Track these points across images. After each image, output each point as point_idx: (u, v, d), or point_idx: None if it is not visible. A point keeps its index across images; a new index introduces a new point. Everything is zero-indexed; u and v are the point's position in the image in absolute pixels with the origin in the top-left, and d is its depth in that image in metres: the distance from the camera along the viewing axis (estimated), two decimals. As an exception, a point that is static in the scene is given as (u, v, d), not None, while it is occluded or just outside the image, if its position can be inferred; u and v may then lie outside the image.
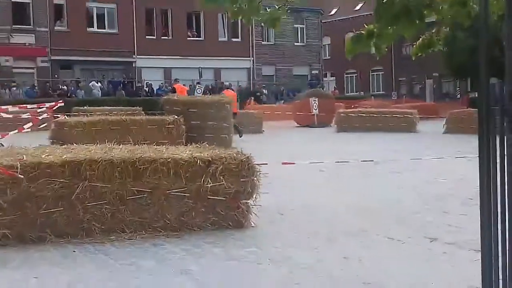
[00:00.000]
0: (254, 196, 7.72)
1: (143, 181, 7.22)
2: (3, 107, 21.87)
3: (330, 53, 66.43)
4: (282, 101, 48.42)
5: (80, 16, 46.23)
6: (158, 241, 6.98)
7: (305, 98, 34.57)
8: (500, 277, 3.24)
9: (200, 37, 52.55)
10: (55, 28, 45.34)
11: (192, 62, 50.19)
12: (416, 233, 7.42)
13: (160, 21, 50.59)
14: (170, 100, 19.75)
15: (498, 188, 3.21)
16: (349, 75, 68.05)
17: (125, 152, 7.56)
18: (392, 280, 5.56)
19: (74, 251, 6.56)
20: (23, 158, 7.00)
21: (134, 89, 45.83)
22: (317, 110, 32.46)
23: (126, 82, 46.61)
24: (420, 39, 5.48)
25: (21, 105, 23.32)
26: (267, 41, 56.09)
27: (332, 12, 66.69)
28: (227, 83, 40.37)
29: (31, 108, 21.23)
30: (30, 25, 44.16)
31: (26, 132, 18.41)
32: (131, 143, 8.65)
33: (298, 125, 32.28)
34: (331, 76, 66.79)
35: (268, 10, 5.20)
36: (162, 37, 50.54)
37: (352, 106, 35.68)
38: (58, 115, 19.83)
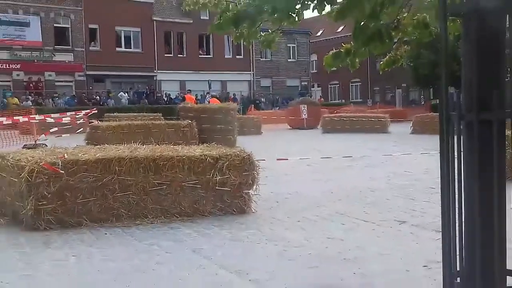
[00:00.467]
0: (254, 187, 7.71)
1: (162, 175, 7.20)
2: (47, 114, 21.88)
3: (316, 68, 66.30)
4: (277, 108, 48.39)
5: (110, 38, 46.24)
6: (175, 224, 6.97)
7: (296, 105, 34.60)
8: (457, 253, 3.23)
9: (209, 54, 52.55)
10: (90, 48, 45.31)
11: (203, 76, 50.22)
12: (387, 217, 7.40)
13: (176, 42, 50.58)
14: (185, 107, 19.78)
15: (455, 178, 3.20)
16: (332, 86, 68.06)
17: (147, 151, 7.56)
18: (367, 256, 5.55)
19: (105, 234, 6.55)
20: (64, 156, 6.99)
21: (155, 98, 45.79)
22: (306, 115, 32.47)
23: (148, 92, 46.59)
24: (387, 56, 5.47)
25: (62, 112, 23.29)
26: (265, 58, 56.07)
27: (318, 34, 66.62)
28: (220, 92, 40.42)
29: (70, 114, 21.20)
30: (69, 45, 44.17)
31: (66, 135, 18.44)
32: (152, 143, 8.63)
33: (290, 128, 32.26)
34: (318, 87, 66.72)
35: (263, 34, 5.19)
36: (178, 55, 50.56)
37: (335, 112, 35.64)
38: (92, 121, 19.82)
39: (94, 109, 22.99)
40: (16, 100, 37.27)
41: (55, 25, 43.44)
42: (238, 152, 7.78)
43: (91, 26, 45.05)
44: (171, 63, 49.05)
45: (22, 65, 41.62)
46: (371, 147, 18.82)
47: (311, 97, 49.71)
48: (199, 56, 51.55)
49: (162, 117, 23.23)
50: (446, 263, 3.26)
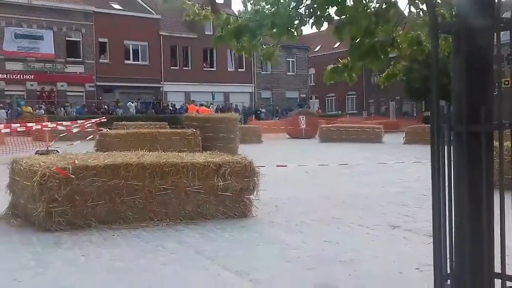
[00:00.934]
0: (255, 192, 7.70)
1: (167, 180, 7.20)
2: (58, 122, 21.93)
3: (314, 81, 66.37)
4: (277, 118, 48.45)
5: (119, 51, 46.39)
6: (179, 227, 6.96)
7: (295, 115, 34.65)
8: (447, 256, 3.23)
9: (213, 67, 52.69)
10: (100, 60, 45.47)
11: (206, 87, 50.36)
12: (381, 221, 7.40)
13: (182, 55, 50.74)
14: (189, 117, 19.81)
15: (446, 186, 3.21)
16: (329, 98, 68.11)
17: (154, 157, 7.56)
18: (362, 259, 5.54)
19: (113, 235, 6.54)
20: (74, 162, 6.99)
21: (161, 108, 45.88)
22: (304, 125, 32.50)
23: (155, 102, 46.72)
24: (385, 71, 5.49)
25: (73, 121, 23.34)
26: (265, 71, 56.24)
27: (316, 49, 66.76)
28: (223, 103, 40.40)
29: (81, 122, 21.24)
30: (80, 58, 44.34)
31: (76, 142, 18.45)
32: (158, 150, 8.63)
33: (289, 137, 32.26)
34: (316, 99, 66.77)
35: (265, 47, 5.20)
36: (183, 68, 50.72)
37: (332, 122, 35.66)
38: (102, 129, 19.84)
39: (103, 117, 23.03)
40: (29, 108, 37.37)
41: (67, 38, 43.62)
42: (239, 159, 7.79)
43: (101, 39, 45.22)
44: (177, 75, 49.18)
45: (35, 76, 41.76)
46: (366, 156, 18.82)
47: (309, 108, 49.76)
48: (203, 69, 51.68)
49: (167, 126, 23.29)
50: (437, 266, 3.27)
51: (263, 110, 52.17)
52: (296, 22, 4.39)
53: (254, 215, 7.68)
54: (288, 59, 57.38)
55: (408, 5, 4.73)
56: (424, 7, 4.55)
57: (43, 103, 39.99)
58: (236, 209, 7.56)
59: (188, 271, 5.12)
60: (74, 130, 19.80)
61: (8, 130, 18.76)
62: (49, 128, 18.99)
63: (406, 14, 4.98)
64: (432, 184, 3.25)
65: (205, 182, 7.36)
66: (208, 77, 50.94)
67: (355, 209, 8.40)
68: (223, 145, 16.06)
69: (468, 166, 3.14)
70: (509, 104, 3.19)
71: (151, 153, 8.08)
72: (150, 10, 47.85)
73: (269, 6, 4.50)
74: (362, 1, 4.32)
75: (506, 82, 3.56)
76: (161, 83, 48.73)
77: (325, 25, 4.49)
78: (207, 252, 5.79)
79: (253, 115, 44.49)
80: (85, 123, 20.65)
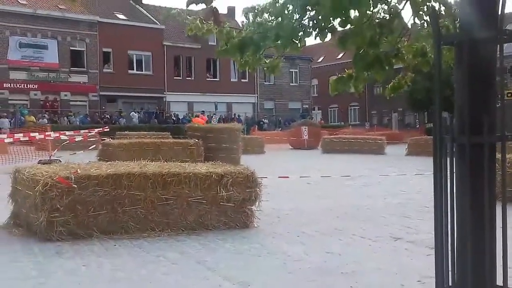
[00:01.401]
0: (257, 203, 7.69)
1: (169, 190, 7.20)
2: (61, 131, 21.98)
3: (317, 92, 66.60)
4: (280, 129, 48.48)
5: (123, 61, 46.53)
6: (181, 237, 6.95)
7: (297, 126, 34.65)
8: (449, 269, 3.22)
9: (216, 78, 52.83)
10: (103, 70, 45.60)
11: (209, 98, 50.46)
12: (383, 233, 7.37)
13: (185, 65, 50.90)
14: (192, 127, 19.83)
15: (448, 198, 3.20)
16: (332, 109, 68.19)
17: (156, 167, 7.55)
18: (364, 270, 5.52)
19: (115, 245, 6.53)
20: (77, 171, 6.99)
21: (164, 118, 45.95)
22: (307, 136, 32.49)
23: (158, 112, 46.78)
24: (392, 82, 5.47)
25: (76, 130, 23.40)
26: (269, 82, 56.34)
27: (319, 60, 66.92)
28: (225, 113, 40.42)
29: (84, 132, 21.27)
30: (84, 67, 44.48)
31: (79, 152, 18.48)
32: (161, 160, 8.63)
33: (291, 148, 32.26)
34: (318, 109, 66.84)
35: (267, 61, 5.21)
36: (187, 78, 50.86)
37: (334, 133, 35.66)
38: (105, 138, 19.87)
39: (106, 127, 23.08)
40: (32, 118, 37.43)
41: (71, 48, 43.79)
42: (242, 170, 7.78)
43: (105, 49, 45.38)
44: (180, 86, 49.29)
45: (39, 85, 41.89)
46: (368, 167, 18.80)
47: (311, 119, 49.77)
48: (207, 79, 51.83)
49: (170, 136, 23.31)
50: (439, 278, 3.25)
51: (265, 120, 52.22)
52: (300, 33, 4.40)
53: (256, 226, 7.67)
54: (291, 70, 57.51)
55: (412, 17, 4.74)
56: (428, 18, 4.56)
57: (46, 113, 40.05)
58: (238, 220, 7.55)
59: (189, 282, 5.11)
60: (77, 139, 19.83)
61: (11, 139, 18.78)
62: (52, 138, 19.01)
63: (410, 25, 4.99)
64: (435, 196, 3.24)
65: (207, 192, 7.36)
66: (211, 87, 51.07)
67: (357, 221, 8.38)
68: (225, 155, 16.04)
69: (470, 177, 3.13)
70: (512, 116, 3.19)
71: (153, 163, 8.07)
72: (154, 20, 48.04)
73: (272, 18, 4.51)
74: (367, 13, 4.33)
75: (509, 94, 3.53)
76: (164, 93, 48.83)
77: (329, 36, 4.50)
78: (208, 262, 5.78)
79: (256, 126, 44.52)
80: (88, 133, 20.67)
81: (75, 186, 6.72)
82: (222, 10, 54.91)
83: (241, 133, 19.97)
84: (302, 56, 55.38)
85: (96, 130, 21.39)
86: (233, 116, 49.23)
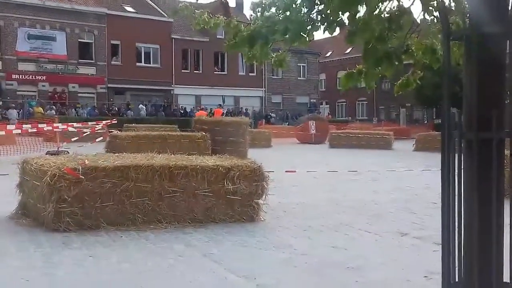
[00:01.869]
0: (263, 196, 7.70)
1: (176, 183, 7.21)
2: (69, 123, 22.07)
3: (325, 86, 66.47)
4: (287, 123, 48.44)
5: (131, 54, 46.60)
6: (188, 230, 6.97)
7: (305, 121, 34.60)
8: (456, 265, 3.22)
9: (224, 71, 52.81)
10: (112, 62, 45.69)
11: (217, 91, 50.48)
12: (390, 229, 7.37)
13: (193, 58, 50.89)
14: (199, 120, 19.81)
15: (456, 194, 3.20)
16: (339, 103, 68.00)
17: (163, 159, 7.57)
18: (370, 265, 5.53)
19: (121, 236, 6.56)
20: (84, 162, 7.02)
21: (172, 111, 46.01)
22: (314, 130, 32.45)
23: (165, 105, 46.86)
24: (400, 79, 5.44)
25: (83, 122, 23.47)
26: (276, 76, 56.27)
27: (327, 54, 66.76)
28: (233, 107, 40.39)
29: (91, 124, 21.36)
30: (92, 60, 44.59)
31: (87, 143, 18.54)
32: (168, 153, 8.64)
33: (299, 142, 32.23)
34: (326, 104, 66.74)
35: (275, 54, 5.20)
36: (195, 71, 50.86)
37: (342, 128, 35.61)
38: (112, 130, 19.91)
39: (114, 119, 23.12)
40: (40, 109, 37.57)
41: (79, 40, 43.89)
42: (249, 164, 7.78)
43: (113, 42, 45.46)
44: (188, 79, 49.31)
45: (47, 77, 42.02)
46: (376, 162, 18.77)
47: (319, 114, 49.71)
48: (214, 72, 51.84)
49: (177, 129, 23.33)
50: (445, 274, 3.25)
51: (273, 114, 52.20)
52: (308, 27, 4.39)
53: (262, 219, 7.68)
54: (299, 64, 57.44)
55: (422, 12, 4.71)
56: (438, 14, 4.53)
57: (55, 104, 40.18)
58: (245, 213, 7.56)
59: (195, 274, 5.12)
60: (85, 131, 19.90)
61: (19, 130, 18.87)
62: (60, 130, 19.09)
63: (419, 21, 4.96)
64: (442, 192, 3.24)
65: (214, 185, 7.37)
66: (218, 80, 51.09)
67: (364, 216, 8.38)
68: (232, 148, 16.01)
69: (478, 173, 3.12)
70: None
71: (160, 155, 8.09)
72: (162, 13, 48.01)
73: (280, 11, 4.50)
74: (375, 7, 4.31)
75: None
76: (172, 86, 48.89)
77: (338, 30, 4.49)
78: (214, 255, 5.79)
79: (263, 120, 44.50)
80: (96, 125, 20.74)
81: (83, 177, 6.75)
82: (231, 3, 54.95)
83: (248, 127, 19.94)
84: (310, 50, 55.31)
85: (104, 122, 21.44)
86: (240, 110, 49.23)
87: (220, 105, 43.61)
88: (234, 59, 51.05)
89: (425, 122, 54.05)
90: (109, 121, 21.82)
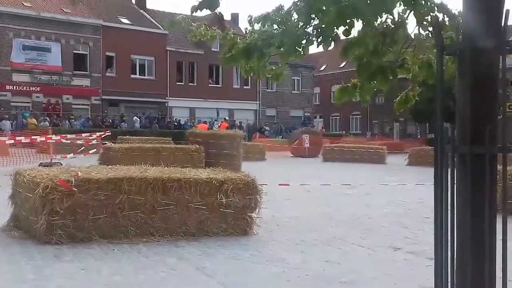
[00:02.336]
0: (257, 210, 7.68)
1: (170, 196, 7.19)
2: (63, 135, 22.00)
3: (319, 100, 66.60)
4: (281, 136, 48.44)
5: (126, 66, 46.61)
6: (180, 243, 6.94)
7: (299, 134, 34.63)
8: (449, 279, 3.21)
9: (218, 84, 52.87)
10: (106, 74, 45.66)
11: (211, 104, 50.53)
12: (383, 243, 7.36)
13: (188, 71, 50.94)
14: (193, 133, 19.83)
15: (449, 209, 3.20)
16: (333, 117, 68.13)
17: (156, 172, 7.55)
18: (363, 280, 5.51)
19: (114, 249, 6.52)
20: (77, 174, 6.99)
21: (166, 123, 45.99)
22: (308, 144, 32.46)
23: (160, 117, 46.83)
24: (399, 96, 5.43)
25: (77, 134, 23.41)
26: (271, 89, 56.39)
27: (322, 68, 66.97)
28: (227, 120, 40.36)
29: (85, 136, 21.30)
30: (87, 71, 44.55)
31: (80, 156, 18.48)
32: (162, 165, 8.62)
33: (292, 155, 32.22)
34: (320, 118, 66.83)
35: (273, 67, 5.20)
36: (189, 84, 50.89)
37: (336, 142, 35.62)
38: (106, 142, 19.87)
39: (108, 131, 23.08)
40: (34, 120, 37.48)
41: (74, 51, 43.88)
42: (242, 177, 7.77)
43: (108, 53, 45.46)
44: (182, 91, 49.34)
45: (41, 88, 41.95)
46: (369, 176, 18.78)
47: (313, 127, 49.77)
48: (209, 85, 51.88)
49: (171, 141, 23.29)
50: (438, 288, 3.24)
51: (267, 128, 52.23)
52: (303, 41, 4.41)
53: (255, 233, 7.65)
54: (293, 78, 57.59)
55: (417, 27, 4.74)
56: (432, 29, 4.56)
57: (48, 115, 40.10)
58: (238, 227, 7.54)
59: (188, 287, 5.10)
60: (78, 142, 19.83)
61: (12, 141, 18.82)
62: (54, 141, 19.03)
63: (414, 35, 4.99)
64: (435, 206, 3.24)
65: (207, 198, 7.35)
66: (213, 93, 51.13)
67: (357, 230, 8.37)
68: (226, 161, 16.02)
69: (471, 188, 3.12)
70: (514, 128, 3.19)
71: (154, 168, 8.07)
72: (158, 25, 48.11)
73: (276, 25, 4.52)
74: (370, 22, 4.34)
75: (511, 106, 3.51)
76: (167, 98, 48.88)
77: (332, 45, 4.51)
78: (207, 269, 5.77)
79: (257, 133, 44.51)
80: (89, 137, 20.69)
81: (76, 189, 6.72)
82: (226, 17, 55.10)
83: (242, 140, 19.94)
84: (304, 64, 55.50)
85: (98, 134, 21.39)
86: (234, 123, 49.23)
87: (225, 118, 43.58)
88: (228, 72, 51.15)
89: (419, 136, 54.15)
90: (103, 133, 21.77)
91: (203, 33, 5.09)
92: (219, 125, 37.37)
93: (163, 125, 44.95)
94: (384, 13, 4.36)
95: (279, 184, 13.32)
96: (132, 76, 46.96)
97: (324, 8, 4.13)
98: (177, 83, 49.86)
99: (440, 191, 3.20)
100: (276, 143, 36.86)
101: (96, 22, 44.55)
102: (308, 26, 4.35)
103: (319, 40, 4.35)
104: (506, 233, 3.05)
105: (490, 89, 3.21)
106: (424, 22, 4.67)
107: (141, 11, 50.85)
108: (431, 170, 3.36)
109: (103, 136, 21.09)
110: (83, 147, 19.78)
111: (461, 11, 3.49)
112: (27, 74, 41.44)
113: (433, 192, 3.24)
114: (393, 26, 4.53)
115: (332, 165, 25.29)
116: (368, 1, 4.02)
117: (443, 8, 4.66)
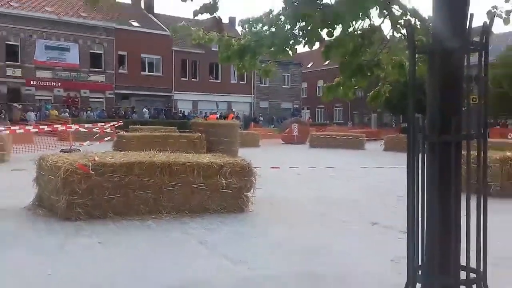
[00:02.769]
0: (252, 190, 7.70)
1: (175, 178, 7.19)
2: (81, 124, 21.93)
3: (306, 93, 66.48)
4: (273, 126, 48.40)
5: (136, 63, 46.33)
6: (185, 220, 6.94)
7: (289, 124, 34.60)
8: (419, 250, 3.23)
9: (218, 80, 52.67)
10: (119, 71, 45.40)
11: (212, 97, 50.41)
12: (362, 218, 7.40)
13: (191, 68, 50.68)
14: (196, 123, 19.77)
15: (419, 189, 3.21)
16: (319, 109, 68.04)
17: (164, 157, 7.54)
18: (344, 250, 5.55)
19: (126, 225, 6.52)
20: (94, 159, 6.99)
21: (172, 114, 45.83)
22: (297, 132, 32.46)
23: (166, 109, 46.66)
24: (372, 92, 5.45)
25: (94, 123, 23.32)
26: (264, 84, 56.16)
27: (309, 65, 66.72)
28: (226, 111, 40.34)
29: (100, 125, 21.21)
30: (101, 68, 44.26)
31: (96, 143, 18.43)
32: (168, 151, 8.62)
33: (283, 142, 32.22)
34: (307, 109, 66.68)
35: (263, 65, 5.20)
36: (192, 79, 50.67)
37: (321, 130, 35.61)
38: (119, 131, 19.80)
39: (121, 121, 23.01)
40: (55, 112, 37.32)
41: (90, 51, 43.56)
42: (239, 161, 7.78)
43: (120, 53, 45.17)
44: (186, 86, 49.17)
45: (62, 83, 41.71)
46: (350, 161, 18.82)
47: (301, 118, 49.71)
48: (209, 80, 51.68)
49: (177, 130, 23.22)
50: (409, 259, 3.27)
51: (261, 118, 52.15)
52: (291, 41, 4.40)
53: (251, 210, 7.67)
54: (283, 74, 57.38)
55: (391, 30, 4.74)
56: (405, 31, 4.56)
57: (68, 108, 39.94)
58: (235, 205, 7.55)
59: (192, 259, 5.11)
60: (95, 131, 19.76)
61: (36, 130, 18.76)
62: (73, 130, 18.97)
63: (389, 37, 4.99)
64: (407, 187, 3.26)
65: (209, 180, 7.36)
66: (213, 88, 50.98)
67: (339, 207, 8.40)
68: (225, 148, 16.01)
69: (439, 171, 3.14)
70: (476, 118, 3.20)
71: (161, 153, 8.06)
72: (164, 28, 47.78)
73: (266, 27, 4.51)
74: (350, 25, 4.33)
75: (474, 99, 3.51)
76: (172, 92, 48.69)
77: (317, 45, 4.50)
78: (208, 242, 5.78)
79: (252, 123, 44.42)
80: (104, 126, 20.61)
81: (93, 172, 6.72)
82: (224, 20, 54.71)
83: (239, 129, 19.91)
84: (293, 62, 55.30)
85: (112, 123, 21.31)
86: (232, 113, 49.12)
87: (233, 110, 43.50)
88: (227, 69, 50.94)
89: (393, 125, 54.16)
90: (116, 122, 21.70)
91: (201, 36, 5.08)
92: (227, 115, 37.56)
93: (169, 116, 44.79)
94: (361, 19, 4.36)
95: (271, 167, 13.33)
96: (142, 72, 46.69)
97: (309, 13, 4.12)
98: (182, 79, 49.64)
99: (412, 173, 3.22)
100: (269, 132, 36.83)
101: (109, 25, 44.21)
102: (295, 28, 4.34)
103: (305, 40, 4.34)
104: (470, 209, 3.07)
105: (456, 85, 3.22)
106: (398, 26, 4.67)
107: (150, 15, 50.46)
108: (404, 155, 3.38)
109: (116, 125, 21.03)
110: (99, 135, 19.70)
111: (431, 15, 3.49)
112: (49, 71, 41.18)
113: (406, 174, 3.26)
114: (370, 29, 4.52)
115: (318, 151, 25.30)
116: (348, 8, 4.01)
117: (415, 13, 4.65)
